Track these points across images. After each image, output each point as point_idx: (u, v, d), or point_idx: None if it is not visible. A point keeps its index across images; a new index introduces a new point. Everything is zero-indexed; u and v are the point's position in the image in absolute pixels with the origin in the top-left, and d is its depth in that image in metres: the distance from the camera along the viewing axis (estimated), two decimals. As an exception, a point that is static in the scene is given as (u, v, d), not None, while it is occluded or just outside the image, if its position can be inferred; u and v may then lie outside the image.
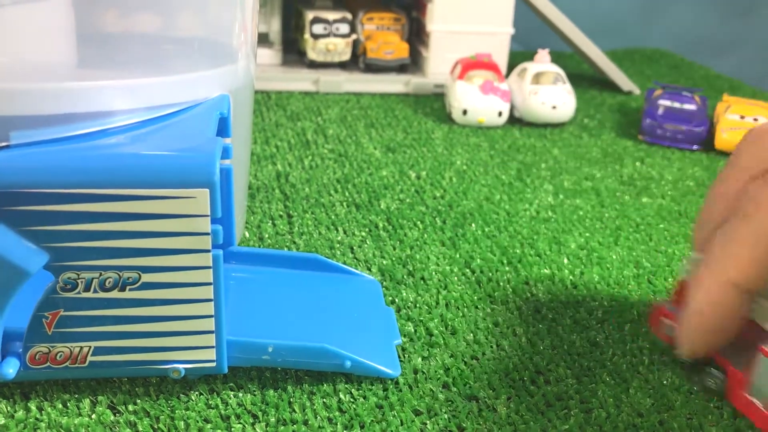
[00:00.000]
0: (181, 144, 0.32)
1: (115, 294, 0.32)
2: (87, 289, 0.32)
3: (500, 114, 0.80)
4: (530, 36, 1.08)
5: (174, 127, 0.34)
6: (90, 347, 0.33)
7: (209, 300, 0.33)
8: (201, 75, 0.37)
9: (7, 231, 0.31)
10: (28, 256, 0.31)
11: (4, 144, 0.32)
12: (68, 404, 0.34)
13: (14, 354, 0.33)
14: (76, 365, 0.33)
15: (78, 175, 0.31)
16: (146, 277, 0.32)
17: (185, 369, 0.34)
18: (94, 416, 0.33)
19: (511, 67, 0.94)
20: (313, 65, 0.95)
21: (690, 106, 0.81)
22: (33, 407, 0.34)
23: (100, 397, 0.34)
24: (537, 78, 0.83)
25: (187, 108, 0.35)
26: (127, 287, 0.32)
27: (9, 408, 0.33)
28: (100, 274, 0.32)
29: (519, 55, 1.01)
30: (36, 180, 0.30)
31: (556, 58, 0.90)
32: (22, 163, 0.31)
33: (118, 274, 0.32)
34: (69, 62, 0.39)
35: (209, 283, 0.33)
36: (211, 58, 0.41)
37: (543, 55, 0.88)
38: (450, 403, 0.35)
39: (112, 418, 0.33)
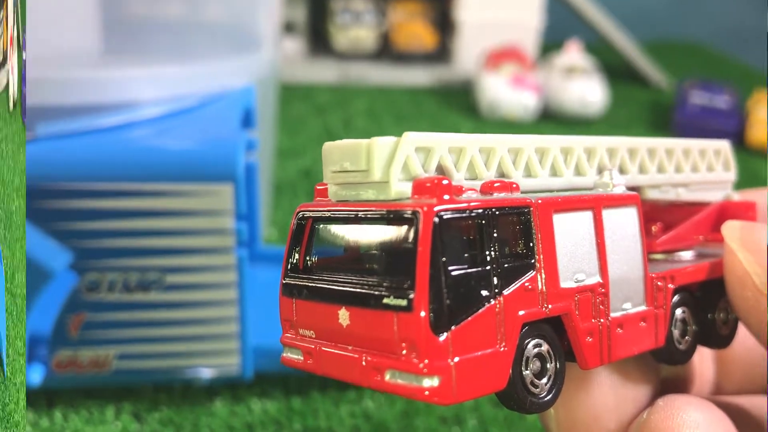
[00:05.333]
0: (204, 136, 0.30)
1: (138, 296, 0.31)
2: (111, 290, 0.31)
3: (529, 108, 0.77)
4: (560, 27, 1.04)
5: (198, 119, 0.32)
6: (114, 352, 0.32)
7: (234, 302, 0.31)
8: (226, 64, 0.35)
9: (32, 228, 0.29)
10: (53, 255, 0.30)
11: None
12: (92, 412, 0.33)
13: (40, 360, 0.32)
14: (101, 371, 0.32)
15: (100, 169, 0.29)
16: (170, 278, 0.31)
17: (209, 375, 0.32)
18: (118, 424, 0.32)
19: (540, 60, 0.90)
20: (340, 56, 0.93)
21: (721, 101, 0.77)
22: (57, 415, 0.32)
23: (124, 405, 0.33)
24: (566, 71, 0.80)
25: (211, 98, 0.33)
26: (151, 288, 0.31)
27: (34, 416, 0.32)
28: (124, 275, 0.31)
29: (549, 47, 0.97)
30: (62, 174, 0.29)
31: (586, 49, 0.87)
32: (49, 156, 0.29)
33: (142, 275, 0.31)
34: (96, 51, 0.37)
35: (234, 285, 0.31)
36: (236, 46, 0.39)
37: (573, 47, 0.84)
38: (477, 410, 0.33)
39: (136, 426, 0.32)
